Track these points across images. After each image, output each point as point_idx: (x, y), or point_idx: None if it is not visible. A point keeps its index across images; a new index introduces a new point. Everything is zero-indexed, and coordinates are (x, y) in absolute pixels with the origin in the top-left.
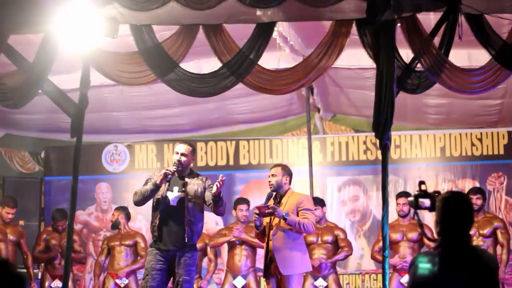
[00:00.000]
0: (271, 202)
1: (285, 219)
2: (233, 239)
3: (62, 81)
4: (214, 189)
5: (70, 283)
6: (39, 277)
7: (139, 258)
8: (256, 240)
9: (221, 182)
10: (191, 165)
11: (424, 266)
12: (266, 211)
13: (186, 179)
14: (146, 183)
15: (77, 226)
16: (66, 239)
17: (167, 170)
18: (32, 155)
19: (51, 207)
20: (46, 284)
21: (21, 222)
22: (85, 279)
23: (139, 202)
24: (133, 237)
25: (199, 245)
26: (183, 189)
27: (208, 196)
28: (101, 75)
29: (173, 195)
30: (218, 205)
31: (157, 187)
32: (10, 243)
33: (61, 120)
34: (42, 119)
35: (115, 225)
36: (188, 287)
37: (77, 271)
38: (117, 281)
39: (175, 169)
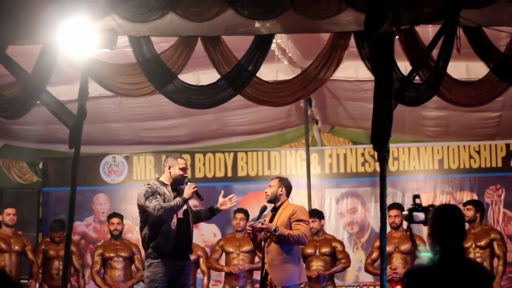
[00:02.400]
0: (267, 217)
1: (274, 234)
2: (232, 250)
3: (60, 92)
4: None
5: None
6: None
7: (136, 271)
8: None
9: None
10: None
11: (417, 278)
12: (259, 227)
13: (178, 191)
14: (154, 196)
15: (75, 237)
16: (64, 250)
17: (196, 187)
18: (30, 166)
19: (49, 218)
20: None
21: (19, 233)
22: None
23: (164, 216)
24: (129, 249)
25: (192, 257)
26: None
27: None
28: (99, 86)
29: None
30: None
31: (186, 202)
32: (14, 253)
33: (59, 131)
34: (40, 130)
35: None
36: None
37: (75, 282)
38: None
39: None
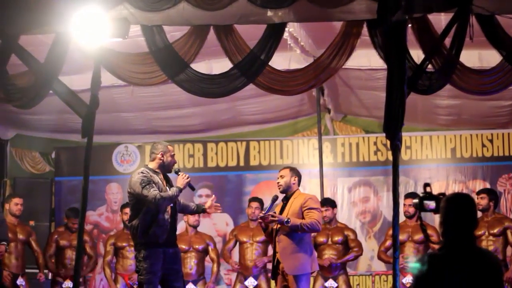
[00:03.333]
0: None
1: (287, 225)
2: (246, 240)
3: (73, 81)
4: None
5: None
6: (50, 277)
7: None
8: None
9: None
10: None
11: (429, 267)
12: (269, 219)
13: (168, 179)
14: (150, 185)
15: (87, 227)
16: (77, 240)
17: (189, 177)
18: (43, 155)
19: (61, 207)
20: (58, 284)
21: (32, 223)
22: (96, 279)
23: (163, 206)
24: None
25: (201, 246)
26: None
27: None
28: (111, 75)
29: None
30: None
31: (181, 192)
32: (19, 242)
33: (71, 121)
34: (52, 120)
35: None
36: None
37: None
38: (130, 281)
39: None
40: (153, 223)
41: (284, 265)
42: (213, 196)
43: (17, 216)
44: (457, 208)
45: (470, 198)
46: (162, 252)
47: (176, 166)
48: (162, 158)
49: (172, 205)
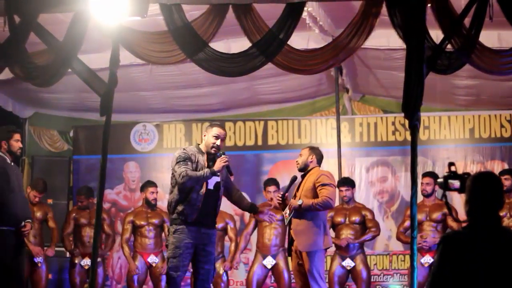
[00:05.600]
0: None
1: (301, 207)
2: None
3: (91, 60)
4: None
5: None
6: (68, 255)
7: (166, 240)
8: None
9: None
10: None
11: (453, 245)
12: (289, 213)
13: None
14: (185, 162)
15: (105, 205)
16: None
17: (228, 160)
18: (61, 134)
19: (79, 186)
20: (76, 261)
21: (50, 201)
22: (113, 257)
23: (188, 185)
24: (160, 217)
25: (220, 224)
26: (218, 173)
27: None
28: (130, 54)
29: (211, 179)
30: None
31: (214, 175)
32: (36, 221)
33: (90, 99)
34: (71, 98)
35: None
36: (214, 263)
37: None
38: (149, 260)
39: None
40: (184, 201)
41: (297, 242)
42: (267, 212)
43: (32, 203)
44: (484, 187)
45: (497, 177)
46: (195, 231)
47: (222, 151)
48: (204, 138)
49: (212, 188)
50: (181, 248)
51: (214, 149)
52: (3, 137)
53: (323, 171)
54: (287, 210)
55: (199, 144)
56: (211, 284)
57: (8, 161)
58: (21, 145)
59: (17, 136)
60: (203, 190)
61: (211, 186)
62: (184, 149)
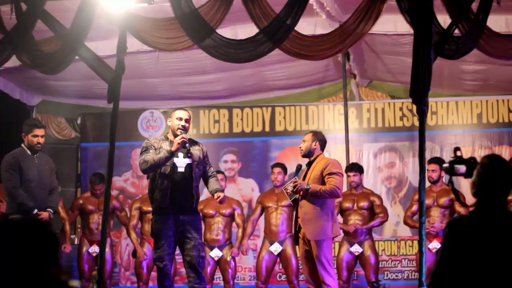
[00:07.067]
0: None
1: (307, 191)
2: (271, 205)
3: (98, 47)
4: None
5: (107, 249)
6: (76, 242)
7: None
8: None
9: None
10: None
11: (459, 229)
12: (289, 191)
13: (188, 145)
14: (147, 151)
15: (113, 192)
16: (103, 205)
17: (184, 137)
18: (69, 121)
19: (87, 173)
20: (84, 249)
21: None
22: (121, 244)
23: (149, 170)
24: None
25: (227, 211)
26: (189, 155)
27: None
28: (137, 41)
29: (180, 161)
30: None
31: (172, 155)
32: None
33: (97, 87)
34: (78, 85)
35: None
36: (202, 249)
37: (114, 237)
38: None
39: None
40: (156, 189)
41: (305, 230)
42: (216, 196)
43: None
44: (492, 171)
45: (506, 161)
46: (172, 219)
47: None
48: (169, 124)
49: (183, 170)
50: (162, 238)
51: (179, 130)
52: (23, 130)
53: (330, 159)
54: (287, 186)
55: (168, 133)
56: (207, 269)
57: (29, 153)
58: (40, 140)
59: (36, 131)
60: (171, 173)
61: (181, 169)
62: (147, 139)
